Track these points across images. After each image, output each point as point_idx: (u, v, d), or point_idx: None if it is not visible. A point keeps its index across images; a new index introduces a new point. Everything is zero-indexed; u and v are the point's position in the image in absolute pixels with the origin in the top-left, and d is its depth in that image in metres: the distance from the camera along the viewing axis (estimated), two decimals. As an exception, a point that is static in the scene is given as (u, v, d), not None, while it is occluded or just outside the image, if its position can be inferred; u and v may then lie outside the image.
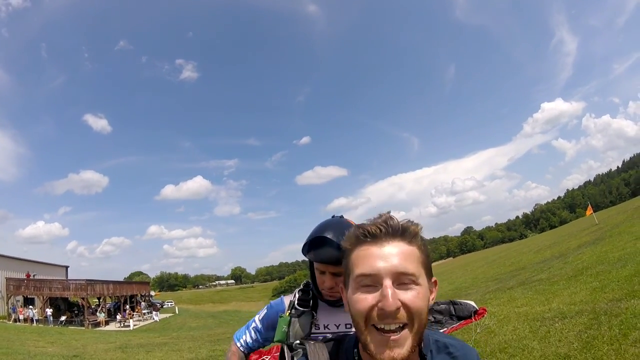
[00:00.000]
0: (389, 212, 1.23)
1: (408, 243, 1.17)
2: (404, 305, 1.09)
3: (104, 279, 53.25)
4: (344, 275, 1.26)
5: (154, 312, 53.16)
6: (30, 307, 42.60)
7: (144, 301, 61.48)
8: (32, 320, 39.92)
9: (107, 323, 44.47)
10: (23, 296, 45.49)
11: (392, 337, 1.08)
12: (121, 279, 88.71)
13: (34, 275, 47.55)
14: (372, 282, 1.12)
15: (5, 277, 45.02)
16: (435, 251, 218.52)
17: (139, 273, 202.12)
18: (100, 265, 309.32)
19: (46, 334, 25.93)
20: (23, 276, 46.93)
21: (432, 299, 1.21)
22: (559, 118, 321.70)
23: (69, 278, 55.99)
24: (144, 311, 53.23)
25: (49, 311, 41.86)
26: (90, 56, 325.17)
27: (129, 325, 42.54)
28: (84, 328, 39.77)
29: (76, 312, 47.31)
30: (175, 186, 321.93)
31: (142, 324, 46.24)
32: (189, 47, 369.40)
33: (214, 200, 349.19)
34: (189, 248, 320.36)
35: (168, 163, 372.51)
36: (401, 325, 1.09)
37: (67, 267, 63.58)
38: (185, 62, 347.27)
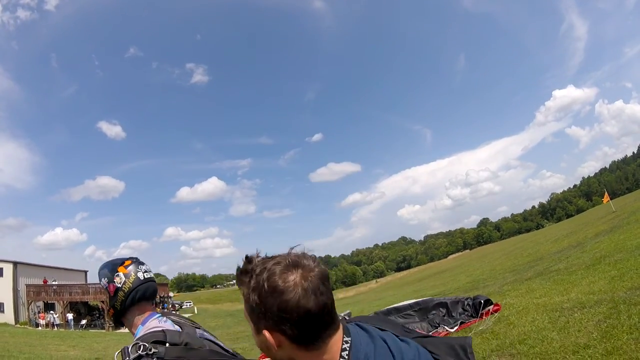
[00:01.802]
0: (251, 256, 1.24)
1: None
2: None
3: (123, 282, 53.58)
4: None
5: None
6: (51, 312, 43.16)
7: (165, 302, 61.92)
8: (53, 325, 40.46)
9: (127, 325, 44.89)
10: (43, 302, 46.10)
11: None
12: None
13: (53, 281, 48.12)
14: None
15: (25, 284, 45.64)
16: (451, 244, 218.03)
17: (157, 275, 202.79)
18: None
19: (67, 338, 26.27)
20: (41, 282, 47.55)
21: (275, 351, 1.19)
22: (571, 105, 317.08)
23: (88, 282, 56.60)
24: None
25: (70, 315, 42.33)
26: (101, 64, 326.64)
27: (149, 327, 42.85)
28: (104, 331, 40.16)
29: (97, 315, 47.81)
30: (190, 188, 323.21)
31: (161, 325, 46.52)
32: (198, 50, 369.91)
33: (229, 200, 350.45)
34: (206, 248, 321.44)
35: (182, 165, 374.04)
36: None
37: (86, 272, 64.32)
38: (196, 66, 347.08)
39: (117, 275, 2.24)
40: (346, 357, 1.16)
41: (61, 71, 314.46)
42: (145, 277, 2.31)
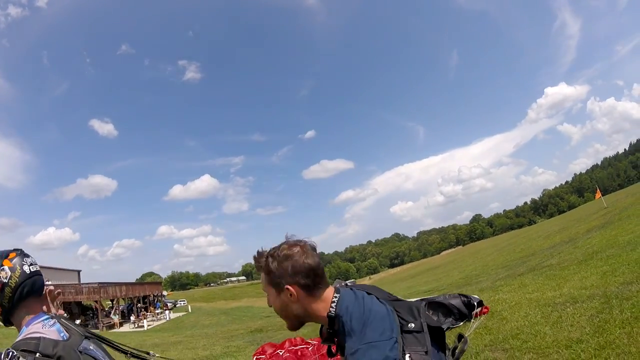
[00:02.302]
0: (258, 251, 1.93)
1: (261, 270, 1.88)
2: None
3: (116, 281, 53.66)
4: None
5: (167, 311, 53.47)
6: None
7: (158, 301, 61.85)
8: (46, 324, 40.27)
9: (121, 324, 44.86)
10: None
11: None
12: (133, 281, 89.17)
13: (47, 281, 47.76)
14: None
15: (19, 284, 45.33)
16: (444, 240, 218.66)
17: (151, 274, 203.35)
18: (112, 267, 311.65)
19: (61, 338, 26.13)
20: (35, 282, 47.25)
21: (293, 300, 1.79)
22: (563, 102, 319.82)
23: (81, 282, 56.38)
24: (157, 311, 53.49)
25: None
26: (92, 62, 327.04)
27: (143, 326, 42.84)
28: (98, 331, 40.04)
29: (90, 315, 47.71)
30: (183, 186, 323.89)
31: (155, 323, 46.54)
32: (190, 47, 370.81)
33: (222, 198, 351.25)
34: (199, 247, 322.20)
35: (175, 163, 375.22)
36: None
37: (79, 272, 64.05)
38: (188, 63, 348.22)
39: (3, 270, 2.06)
40: (334, 305, 1.74)
41: (52, 69, 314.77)
42: (32, 270, 2.17)
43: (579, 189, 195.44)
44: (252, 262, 1.96)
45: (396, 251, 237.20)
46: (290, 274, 1.76)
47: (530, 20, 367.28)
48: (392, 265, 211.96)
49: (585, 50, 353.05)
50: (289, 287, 1.76)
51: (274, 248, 1.86)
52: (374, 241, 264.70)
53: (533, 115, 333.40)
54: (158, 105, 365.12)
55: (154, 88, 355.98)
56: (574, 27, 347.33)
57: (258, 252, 1.91)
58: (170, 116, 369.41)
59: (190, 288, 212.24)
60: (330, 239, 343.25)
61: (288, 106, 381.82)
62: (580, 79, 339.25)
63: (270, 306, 1.90)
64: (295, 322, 1.88)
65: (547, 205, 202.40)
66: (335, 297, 1.78)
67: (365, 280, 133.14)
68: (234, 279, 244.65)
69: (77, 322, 32.43)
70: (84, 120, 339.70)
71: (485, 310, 9.83)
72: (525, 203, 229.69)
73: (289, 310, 1.83)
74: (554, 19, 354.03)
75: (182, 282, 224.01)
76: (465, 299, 9.75)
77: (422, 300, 11.97)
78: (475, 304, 9.35)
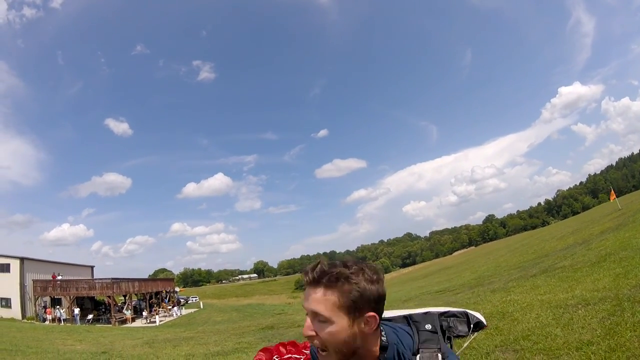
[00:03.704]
0: (319, 262, 1.61)
1: (326, 288, 1.53)
2: (317, 336, 1.55)
3: (129, 277, 54.18)
4: None
5: (175, 308, 53.81)
6: (58, 307, 43.50)
7: (171, 297, 62.29)
8: (59, 320, 40.79)
9: (133, 320, 45.26)
10: (50, 297, 46.47)
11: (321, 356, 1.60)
12: (146, 277, 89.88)
13: (59, 275, 48.50)
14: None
15: (32, 279, 46.04)
16: (457, 240, 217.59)
17: (164, 270, 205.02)
18: (125, 264, 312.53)
19: (74, 333, 26.44)
20: (49, 278, 48.00)
21: (370, 329, 1.55)
22: (577, 102, 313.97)
23: (94, 277, 56.96)
24: (169, 307, 53.86)
25: (77, 310, 42.64)
26: (107, 62, 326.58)
27: (155, 321, 43.18)
28: (110, 325, 40.48)
29: (103, 310, 48.16)
30: (196, 184, 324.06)
31: (167, 319, 46.88)
32: (204, 47, 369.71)
33: (234, 196, 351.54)
34: (212, 244, 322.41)
35: (189, 161, 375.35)
36: (321, 348, 1.57)
37: (92, 267, 64.78)
38: (203, 64, 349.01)
39: None
40: (384, 334, 1.62)
41: (67, 69, 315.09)
42: None
43: (593, 190, 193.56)
44: (301, 273, 1.66)
45: (408, 251, 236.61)
46: (375, 299, 1.54)
47: (544, 19, 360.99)
48: (404, 265, 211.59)
49: (600, 48, 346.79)
50: (372, 313, 1.53)
51: (349, 263, 1.59)
52: (385, 240, 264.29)
53: (547, 115, 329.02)
54: (172, 105, 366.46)
55: (169, 88, 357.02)
56: (588, 25, 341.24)
57: (322, 262, 1.59)
58: (184, 115, 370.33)
59: (202, 285, 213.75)
60: (342, 238, 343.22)
61: (300, 105, 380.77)
62: (594, 78, 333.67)
63: (311, 336, 1.57)
64: (344, 356, 1.55)
65: (561, 206, 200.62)
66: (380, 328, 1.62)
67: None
68: (245, 276, 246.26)
69: (90, 316, 32.91)
70: (100, 119, 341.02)
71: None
72: (539, 204, 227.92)
73: (352, 344, 1.53)
74: (568, 17, 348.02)
75: (194, 279, 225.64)
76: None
77: (421, 316, 11.94)
78: (472, 325, 8.62)
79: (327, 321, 1.50)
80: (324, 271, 1.54)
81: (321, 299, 1.51)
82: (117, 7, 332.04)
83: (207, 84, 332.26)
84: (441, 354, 1.57)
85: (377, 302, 1.54)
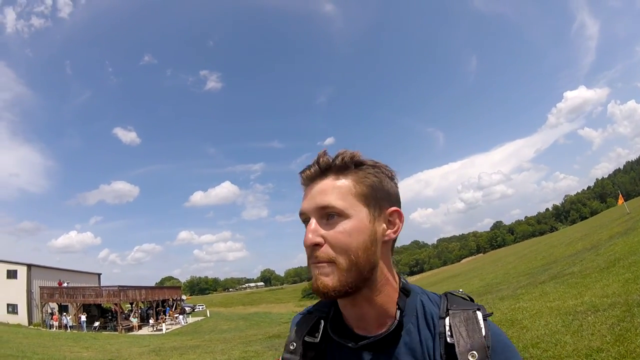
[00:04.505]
0: (324, 150, 1.20)
1: (335, 177, 1.15)
2: (327, 241, 1.09)
3: (136, 285, 54.21)
4: None
5: (180, 316, 53.79)
6: (64, 314, 43.63)
7: (168, 306, 62.37)
8: (66, 326, 40.87)
9: (139, 327, 45.24)
10: (57, 303, 46.60)
11: (319, 271, 1.09)
12: (153, 285, 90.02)
13: (67, 283, 48.69)
14: (306, 220, 1.15)
15: (39, 286, 46.22)
16: (464, 247, 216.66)
17: (170, 278, 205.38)
18: (132, 271, 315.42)
19: (81, 340, 26.46)
20: (56, 284, 48.16)
21: (394, 231, 1.17)
22: (583, 106, 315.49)
23: (101, 285, 57.10)
24: (175, 315, 53.86)
25: (83, 317, 42.72)
26: (115, 71, 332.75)
27: (161, 329, 43.15)
28: (117, 333, 40.51)
29: (109, 317, 48.21)
30: (204, 192, 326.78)
31: (174, 327, 46.86)
32: (210, 57, 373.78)
33: (241, 204, 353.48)
34: (219, 252, 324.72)
35: (196, 170, 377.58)
36: (329, 261, 1.08)
37: (99, 275, 64.77)
38: (210, 73, 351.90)
39: None
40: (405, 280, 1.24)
41: (75, 78, 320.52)
42: None
43: (601, 195, 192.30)
44: (314, 162, 1.20)
45: (415, 258, 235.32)
46: (396, 196, 1.20)
47: (548, 22, 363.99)
48: (412, 273, 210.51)
49: (604, 51, 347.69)
50: (396, 209, 1.17)
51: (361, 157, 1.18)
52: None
53: (553, 119, 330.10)
54: (180, 114, 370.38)
55: (176, 97, 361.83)
56: (592, 28, 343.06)
57: (326, 152, 1.20)
58: (191, 124, 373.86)
59: (209, 293, 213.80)
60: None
61: (307, 113, 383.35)
62: (600, 82, 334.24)
63: (317, 245, 1.09)
64: (359, 279, 1.09)
65: (569, 212, 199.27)
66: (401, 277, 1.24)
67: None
68: (252, 284, 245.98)
69: (97, 323, 32.96)
70: (108, 128, 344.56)
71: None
72: (547, 209, 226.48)
73: (372, 252, 1.11)
74: (572, 20, 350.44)
75: (201, 287, 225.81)
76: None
77: None
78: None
79: (341, 214, 1.10)
80: (332, 160, 1.16)
81: (332, 188, 1.13)
82: (124, 17, 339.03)
83: (214, 93, 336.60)
84: (481, 313, 1.12)
85: (398, 201, 1.20)
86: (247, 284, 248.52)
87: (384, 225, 1.15)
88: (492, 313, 1.14)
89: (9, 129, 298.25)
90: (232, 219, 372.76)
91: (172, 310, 56.15)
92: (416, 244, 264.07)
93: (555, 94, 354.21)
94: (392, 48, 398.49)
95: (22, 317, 44.15)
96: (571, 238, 38.26)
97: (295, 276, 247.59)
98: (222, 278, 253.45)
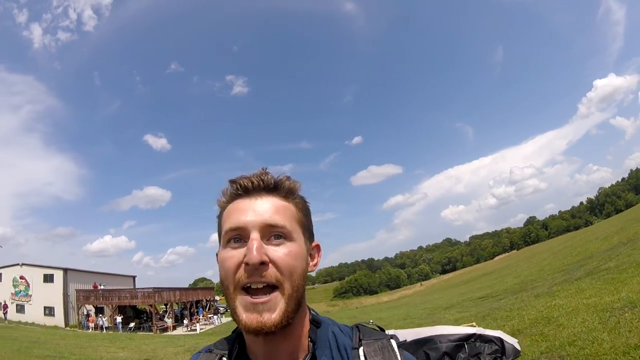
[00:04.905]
0: (264, 168, 1.22)
1: (282, 198, 1.16)
2: (273, 262, 1.05)
3: (170, 287, 55.08)
4: (218, 235, 1.20)
5: (214, 316, 54.33)
6: (100, 315, 44.63)
7: (210, 307, 63.00)
8: (102, 327, 41.80)
9: (174, 328, 45.89)
10: (93, 305, 47.71)
11: (261, 300, 1.03)
12: (186, 286, 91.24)
13: (102, 286, 49.87)
14: (241, 236, 1.09)
15: (75, 289, 47.50)
16: (498, 244, 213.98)
17: (203, 279, 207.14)
18: (166, 273, 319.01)
19: (117, 340, 27.01)
20: (91, 287, 49.42)
21: (314, 265, 1.22)
22: (613, 95, 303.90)
23: (136, 287, 58.15)
24: (209, 315, 54.46)
25: (119, 319, 43.58)
26: (143, 80, 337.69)
27: (195, 329, 43.69)
28: (152, 333, 41.15)
29: (144, 318, 49.04)
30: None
31: (208, 327, 47.38)
32: (236, 62, 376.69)
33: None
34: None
35: (226, 173, 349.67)
36: (270, 285, 1.04)
37: (134, 277, 66.10)
38: (236, 78, 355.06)
39: None
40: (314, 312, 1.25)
41: (104, 88, 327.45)
42: None
43: (636, 186, 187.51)
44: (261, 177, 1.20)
45: (448, 256, 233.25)
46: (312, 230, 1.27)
47: (573, 9, 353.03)
48: (444, 271, 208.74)
49: (632, 36, 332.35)
50: (319, 245, 1.26)
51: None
52: (424, 246, 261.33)
53: (584, 110, 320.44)
54: (208, 119, 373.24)
55: (204, 103, 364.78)
56: (619, 12, 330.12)
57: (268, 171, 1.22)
58: (220, 128, 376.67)
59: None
60: (380, 244, 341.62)
61: (333, 113, 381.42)
62: (630, 68, 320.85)
63: (262, 264, 1.03)
64: (296, 309, 1.08)
65: (604, 205, 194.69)
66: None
67: (417, 287, 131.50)
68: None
69: (132, 324, 33.65)
70: (138, 135, 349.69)
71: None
72: (581, 203, 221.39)
73: (305, 279, 1.13)
74: (597, 5, 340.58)
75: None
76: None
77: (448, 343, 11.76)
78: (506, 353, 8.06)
79: (288, 237, 1.10)
80: (280, 179, 1.18)
81: (283, 208, 1.14)
82: (148, 27, 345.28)
83: (240, 97, 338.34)
84: (394, 340, 1.15)
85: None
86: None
87: (309, 255, 1.20)
88: (405, 340, 1.19)
89: (42, 140, 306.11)
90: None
91: (205, 311, 56.76)
92: (448, 242, 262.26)
93: (584, 82, 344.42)
94: (415, 43, 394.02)
95: (58, 319, 45.55)
96: (606, 232, 37.44)
97: (327, 276, 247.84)
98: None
